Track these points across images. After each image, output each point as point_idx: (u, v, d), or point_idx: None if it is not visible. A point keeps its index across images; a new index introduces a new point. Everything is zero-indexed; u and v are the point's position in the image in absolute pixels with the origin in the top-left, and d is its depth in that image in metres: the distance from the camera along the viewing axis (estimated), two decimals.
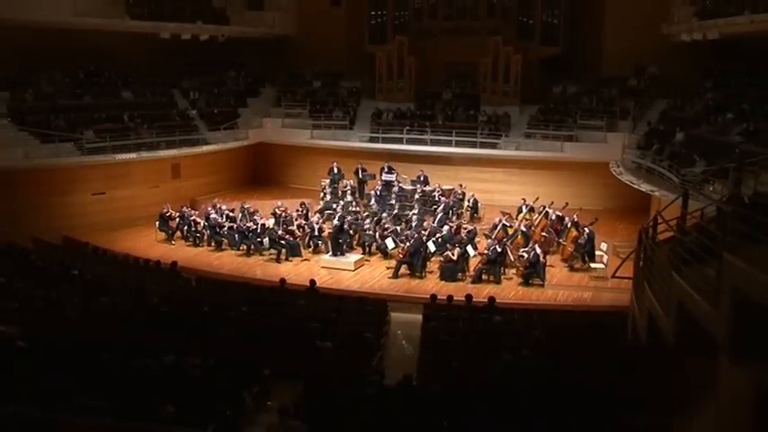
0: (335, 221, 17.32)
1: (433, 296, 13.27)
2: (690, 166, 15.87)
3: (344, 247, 17.02)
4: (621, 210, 20.25)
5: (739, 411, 4.38)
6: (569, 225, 17.09)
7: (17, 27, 19.59)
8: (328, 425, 7.32)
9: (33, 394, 6.70)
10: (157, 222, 18.89)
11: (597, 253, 16.30)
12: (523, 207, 18.82)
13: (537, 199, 19.01)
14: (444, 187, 20.68)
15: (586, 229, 16.54)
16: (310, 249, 17.72)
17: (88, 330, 10.42)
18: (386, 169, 21.39)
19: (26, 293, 12.05)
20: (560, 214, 17.76)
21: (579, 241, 16.44)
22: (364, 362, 10.13)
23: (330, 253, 17.08)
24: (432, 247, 16.28)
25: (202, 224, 18.51)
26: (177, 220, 18.89)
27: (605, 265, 15.60)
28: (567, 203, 18.18)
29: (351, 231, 17.62)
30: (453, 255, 15.72)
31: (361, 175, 22.01)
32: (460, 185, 20.69)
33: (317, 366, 9.63)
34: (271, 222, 17.97)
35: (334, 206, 18.00)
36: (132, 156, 20.59)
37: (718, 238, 4.54)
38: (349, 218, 17.92)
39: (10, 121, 19.59)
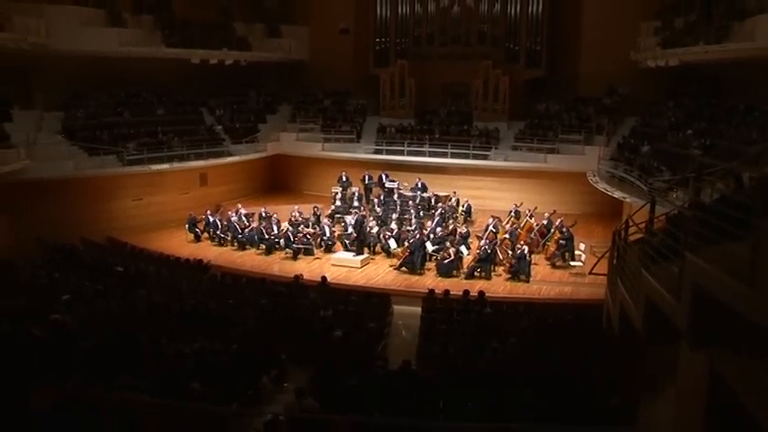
0: (351, 225, 17.36)
1: (431, 291, 13.28)
2: (656, 176, 15.90)
3: (356, 246, 17.09)
4: (597, 214, 20.21)
5: (696, 391, 4.43)
6: (555, 230, 17.02)
7: (72, 57, 19.97)
8: (338, 404, 7.37)
9: (83, 374, 6.77)
10: (187, 225, 19.01)
11: (576, 252, 16.31)
12: (513, 212, 18.84)
13: (521, 204, 19.05)
14: (440, 194, 20.73)
15: (566, 230, 16.55)
16: (322, 249, 17.74)
17: (128, 319, 10.51)
18: (385, 177, 21.43)
19: (76, 286, 12.17)
20: (545, 222, 17.64)
21: (561, 242, 16.46)
22: (369, 349, 10.19)
23: (343, 251, 17.18)
24: (430, 247, 16.31)
25: (227, 226, 18.58)
26: (204, 222, 19.03)
27: (583, 263, 15.62)
28: (554, 210, 18.11)
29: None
30: (449, 254, 15.77)
31: (367, 183, 22.06)
32: (454, 193, 20.73)
33: (327, 353, 9.68)
34: (287, 225, 18.03)
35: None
36: (166, 166, 20.76)
37: (681, 240, 4.58)
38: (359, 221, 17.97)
39: (63, 137, 19.85)
